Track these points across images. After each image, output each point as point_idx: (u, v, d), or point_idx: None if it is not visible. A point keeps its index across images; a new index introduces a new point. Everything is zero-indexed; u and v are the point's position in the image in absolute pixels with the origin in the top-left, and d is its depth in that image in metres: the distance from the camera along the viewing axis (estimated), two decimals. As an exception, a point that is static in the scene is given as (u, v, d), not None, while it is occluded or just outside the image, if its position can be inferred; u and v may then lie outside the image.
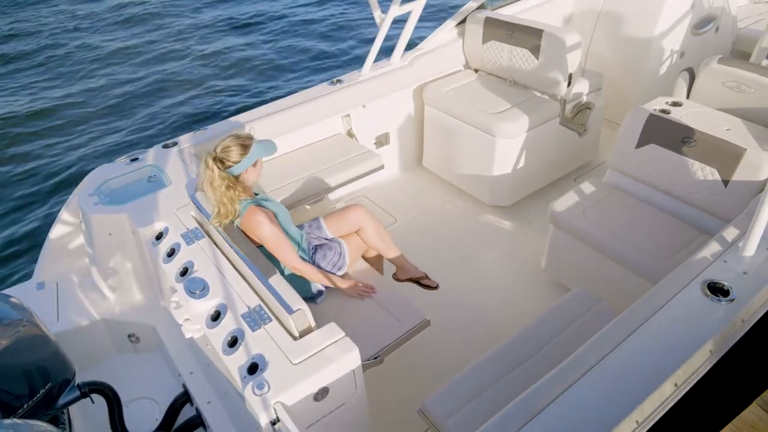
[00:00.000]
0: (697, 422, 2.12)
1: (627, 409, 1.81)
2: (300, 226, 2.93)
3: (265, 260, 2.27)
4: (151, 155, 3.27)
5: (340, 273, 2.85)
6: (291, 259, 2.62)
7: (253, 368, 1.98)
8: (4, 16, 11.96)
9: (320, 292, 2.80)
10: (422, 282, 3.16)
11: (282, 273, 2.65)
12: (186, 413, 2.64)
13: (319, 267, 2.81)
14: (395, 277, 3.17)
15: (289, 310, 2.04)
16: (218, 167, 2.50)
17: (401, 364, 2.97)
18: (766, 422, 2.01)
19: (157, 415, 2.72)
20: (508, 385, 2.31)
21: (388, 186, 4.45)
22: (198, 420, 2.57)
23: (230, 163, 2.53)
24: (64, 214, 3.21)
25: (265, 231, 2.54)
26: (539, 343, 2.48)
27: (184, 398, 2.65)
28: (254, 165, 2.60)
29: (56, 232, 3.22)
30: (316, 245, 2.87)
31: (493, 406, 2.21)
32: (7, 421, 1.83)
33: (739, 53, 4.82)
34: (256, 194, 2.75)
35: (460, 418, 2.20)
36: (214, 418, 2.47)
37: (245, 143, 2.56)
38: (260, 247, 2.71)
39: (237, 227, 2.59)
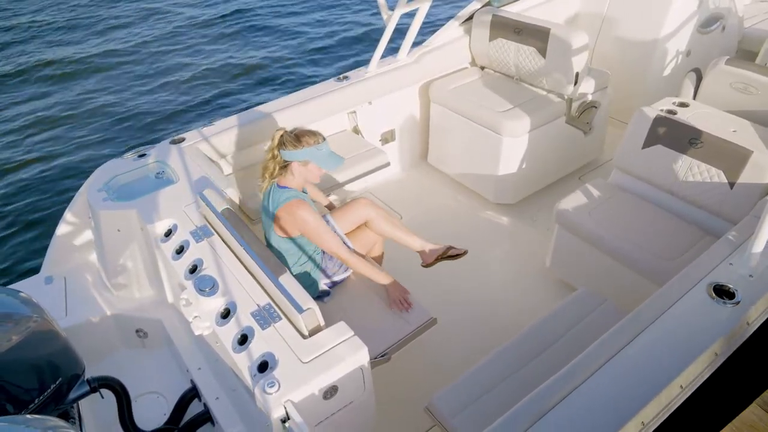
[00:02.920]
0: (697, 422, 2.14)
1: (633, 410, 1.83)
2: None
3: (274, 258, 2.28)
4: (158, 151, 3.27)
5: (347, 274, 2.86)
6: (338, 249, 2.66)
7: (263, 366, 2.00)
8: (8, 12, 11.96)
9: (327, 292, 2.82)
10: (451, 254, 2.99)
11: (290, 271, 2.67)
12: (194, 409, 2.66)
13: (326, 267, 2.83)
14: (423, 264, 3.03)
15: (299, 309, 2.06)
16: (277, 142, 2.64)
17: (408, 362, 2.99)
18: (766, 422, 2.02)
19: (166, 410, 2.74)
20: (515, 383, 2.33)
21: (393, 183, 4.46)
22: (206, 415, 2.59)
23: (283, 146, 2.62)
24: (73, 209, 3.22)
25: (310, 221, 2.60)
26: (545, 342, 2.49)
27: (193, 394, 2.67)
28: (304, 164, 2.64)
29: (64, 226, 3.24)
30: None
31: (499, 404, 2.24)
32: (19, 417, 1.85)
33: (745, 53, 4.82)
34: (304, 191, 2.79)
35: (466, 416, 2.23)
36: (223, 413, 2.49)
37: (303, 139, 2.61)
38: (269, 245, 2.73)
39: (271, 213, 2.65)
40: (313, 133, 2.64)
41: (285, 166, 2.66)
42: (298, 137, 2.61)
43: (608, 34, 4.68)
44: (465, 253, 3.00)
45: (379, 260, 3.20)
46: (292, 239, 2.72)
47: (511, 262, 3.73)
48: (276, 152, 2.65)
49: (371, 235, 3.00)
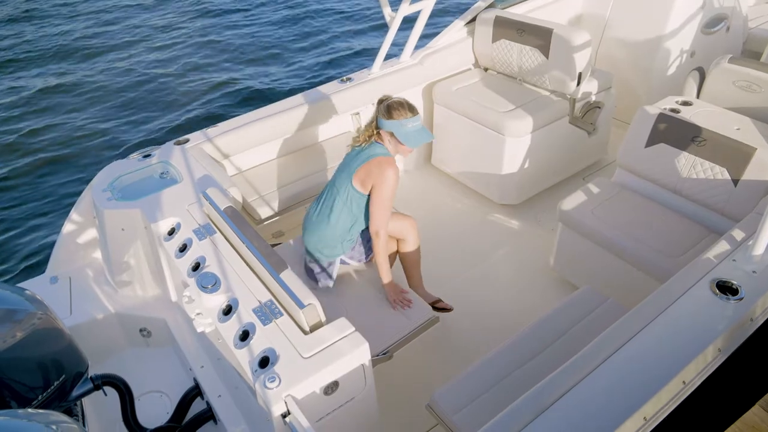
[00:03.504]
0: (700, 423, 2.13)
1: (635, 406, 1.82)
2: None
3: (276, 255, 2.29)
4: (163, 152, 3.30)
5: (356, 265, 2.93)
6: (383, 223, 2.71)
7: (264, 362, 2.00)
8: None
9: (329, 275, 2.87)
10: (437, 306, 3.19)
11: (337, 217, 2.78)
12: (197, 407, 2.67)
13: (354, 247, 2.88)
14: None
15: (300, 305, 2.06)
16: (377, 107, 2.73)
17: (410, 359, 2.99)
18: (768, 424, 2.02)
19: (169, 409, 2.75)
20: (516, 381, 2.33)
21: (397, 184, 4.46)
22: (209, 413, 2.60)
23: (379, 114, 2.71)
24: (78, 210, 3.25)
25: (390, 184, 2.66)
26: (547, 340, 2.49)
27: (195, 392, 2.68)
28: (390, 135, 2.69)
29: (69, 226, 3.26)
30: None
31: (501, 401, 2.23)
32: (21, 412, 1.86)
33: (750, 53, 4.80)
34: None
35: (468, 413, 2.22)
36: (225, 411, 2.50)
37: (392, 112, 2.65)
38: (332, 185, 2.80)
39: (362, 160, 2.70)
40: (402, 107, 2.66)
41: (377, 127, 2.74)
42: (388, 109, 2.67)
43: (611, 35, 4.68)
44: (450, 309, 3.18)
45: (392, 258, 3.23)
46: (359, 194, 2.75)
47: (515, 261, 3.72)
48: (374, 117, 2.74)
49: (393, 246, 3.05)
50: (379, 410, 2.33)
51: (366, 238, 2.90)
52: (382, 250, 2.74)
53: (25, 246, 5.61)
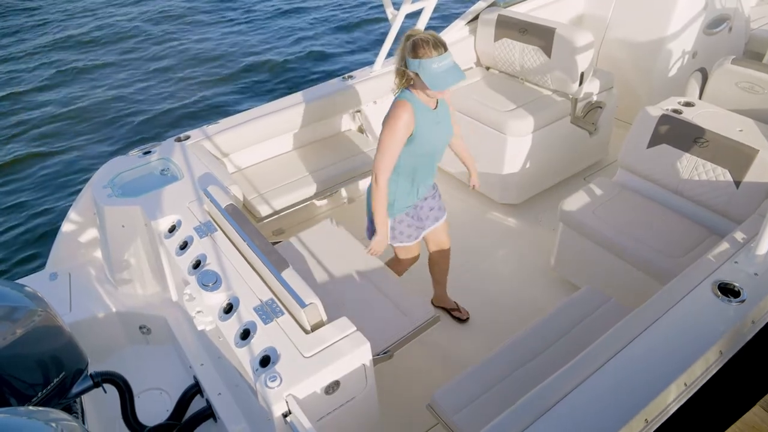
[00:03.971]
0: (700, 423, 2.13)
1: (637, 407, 1.82)
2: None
3: (277, 253, 2.28)
4: (163, 149, 3.29)
5: (390, 241, 2.85)
6: (381, 169, 2.51)
7: (265, 361, 2.00)
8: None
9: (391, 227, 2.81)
10: (453, 313, 3.33)
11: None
12: (197, 405, 2.67)
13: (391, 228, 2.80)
14: (433, 302, 3.38)
15: (302, 304, 2.06)
16: (403, 45, 2.42)
17: (410, 359, 2.99)
18: (769, 424, 2.02)
19: (168, 406, 2.74)
20: (517, 381, 2.32)
21: None
22: (208, 411, 2.59)
23: (405, 52, 2.40)
24: (78, 206, 3.23)
25: (391, 127, 2.45)
26: (548, 340, 2.49)
27: (195, 389, 2.68)
28: (416, 76, 2.39)
29: (69, 223, 3.25)
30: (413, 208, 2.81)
31: (501, 402, 2.23)
32: (21, 409, 1.86)
33: (752, 54, 4.80)
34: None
35: (468, 413, 2.22)
36: (225, 409, 2.49)
37: (418, 50, 2.33)
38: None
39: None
40: (426, 44, 2.32)
41: (404, 67, 2.44)
42: (414, 46, 2.34)
43: (613, 34, 4.68)
44: (466, 320, 3.33)
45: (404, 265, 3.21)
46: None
47: (516, 261, 3.72)
48: (402, 55, 2.44)
49: (416, 251, 3.03)
50: (380, 410, 2.33)
51: (394, 192, 2.71)
52: (378, 195, 2.58)
53: (25, 242, 5.60)
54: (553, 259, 3.45)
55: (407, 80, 2.49)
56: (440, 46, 2.33)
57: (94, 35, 10.62)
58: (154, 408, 2.76)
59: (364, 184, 4.22)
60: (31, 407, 1.95)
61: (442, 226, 3.03)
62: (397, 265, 3.05)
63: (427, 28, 4.07)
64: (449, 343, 3.15)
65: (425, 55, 2.31)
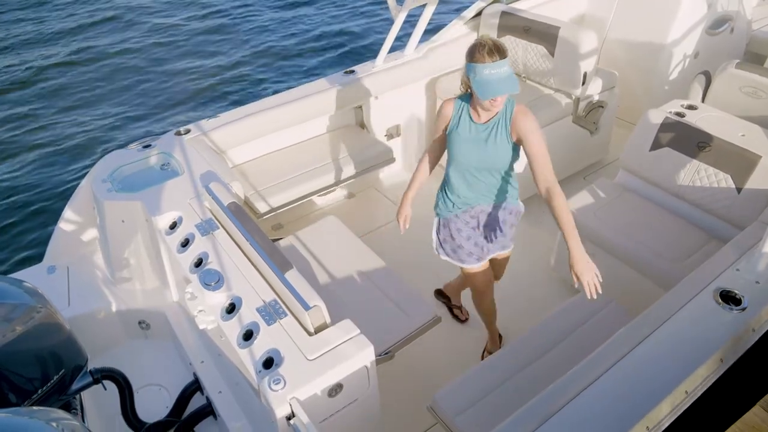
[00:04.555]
0: (700, 423, 2.14)
1: (638, 415, 1.83)
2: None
3: (281, 254, 2.27)
4: (163, 142, 3.26)
5: (440, 254, 2.81)
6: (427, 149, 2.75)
7: (268, 363, 1.99)
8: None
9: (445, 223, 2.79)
10: (453, 311, 3.35)
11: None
12: (196, 402, 2.66)
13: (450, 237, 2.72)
14: (443, 287, 3.39)
15: (306, 306, 2.05)
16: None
17: (411, 360, 2.99)
18: (769, 424, 2.03)
19: (168, 403, 2.73)
20: (518, 383, 2.33)
21: (398, 178, 4.44)
22: (208, 409, 2.59)
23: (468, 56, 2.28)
24: (76, 199, 3.20)
25: (438, 115, 2.57)
26: (550, 342, 2.49)
27: (195, 387, 2.67)
28: (469, 78, 2.28)
29: (67, 216, 3.22)
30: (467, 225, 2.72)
31: (502, 404, 2.24)
32: (23, 409, 1.85)
33: (753, 55, 4.80)
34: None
35: (469, 415, 2.23)
36: (225, 407, 2.49)
37: (473, 55, 2.21)
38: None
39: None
40: (481, 48, 2.19)
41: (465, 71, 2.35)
42: (471, 50, 2.23)
43: (615, 34, 4.66)
44: (465, 320, 3.34)
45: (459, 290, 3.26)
46: None
47: (516, 262, 3.71)
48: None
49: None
50: (381, 411, 2.33)
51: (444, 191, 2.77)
52: (419, 164, 2.78)
53: (22, 235, 5.55)
54: (553, 259, 3.45)
55: (466, 86, 2.42)
56: (496, 52, 2.18)
57: (91, 25, 10.50)
58: (153, 404, 2.75)
59: (363, 179, 4.20)
60: (34, 407, 1.95)
61: (483, 270, 2.81)
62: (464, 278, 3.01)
63: (430, 24, 4.07)
64: (450, 344, 3.15)
65: (479, 60, 2.19)
